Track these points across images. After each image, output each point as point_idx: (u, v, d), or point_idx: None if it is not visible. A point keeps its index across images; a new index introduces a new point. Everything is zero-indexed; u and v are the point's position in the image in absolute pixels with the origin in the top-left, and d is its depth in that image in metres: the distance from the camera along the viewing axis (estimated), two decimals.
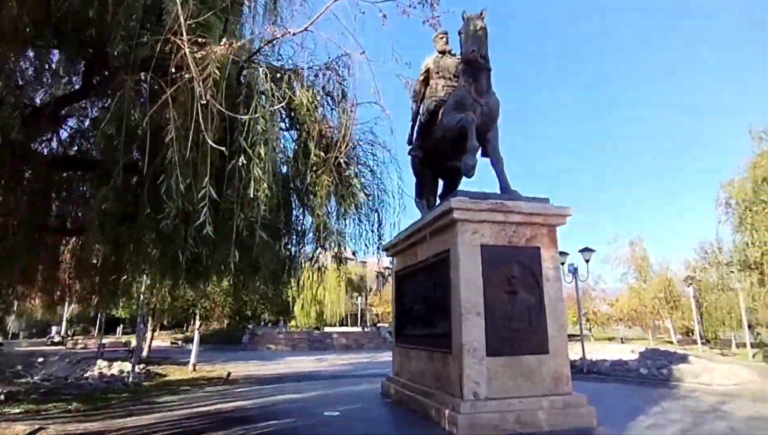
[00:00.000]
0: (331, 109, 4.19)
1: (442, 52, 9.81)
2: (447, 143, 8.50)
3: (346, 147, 3.99)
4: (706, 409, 7.57)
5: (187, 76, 3.02)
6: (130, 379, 11.18)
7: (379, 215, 5.46)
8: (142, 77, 4.25)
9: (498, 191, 7.22)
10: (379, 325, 50.49)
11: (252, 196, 3.13)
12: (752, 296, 20.11)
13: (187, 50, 2.94)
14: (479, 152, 8.17)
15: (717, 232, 35.52)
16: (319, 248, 5.15)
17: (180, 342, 35.57)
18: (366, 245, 5.71)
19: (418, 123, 9.66)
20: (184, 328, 41.31)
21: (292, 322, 62.15)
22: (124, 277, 6.89)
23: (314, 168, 3.88)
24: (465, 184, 8.54)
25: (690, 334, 39.70)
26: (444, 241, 6.96)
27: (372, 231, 5.56)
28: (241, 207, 3.31)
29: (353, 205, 4.35)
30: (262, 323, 57.18)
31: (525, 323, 6.36)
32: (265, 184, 3.16)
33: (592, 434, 5.71)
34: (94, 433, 6.03)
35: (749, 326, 27.76)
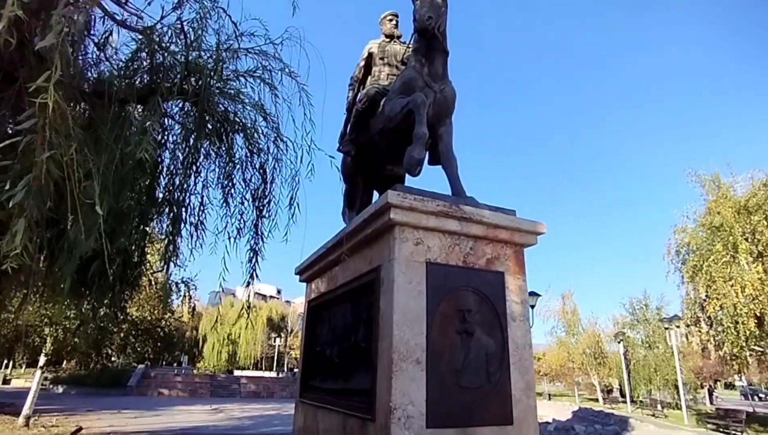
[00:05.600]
0: None
1: (390, 37, 8.31)
2: (386, 139, 6.78)
3: None
4: None
5: None
6: None
7: (265, 182, 3.44)
8: None
9: None
10: (296, 370, 46.64)
11: None
12: (702, 355, 19.98)
13: None
14: (427, 157, 6.63)
15: (645, 289, 37.02)
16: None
17: (49, 383, 29.72)
18: (234, 237, 3.59)
19: (354, 112, 7.93)
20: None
21: (202, 363, 56.54)
22: None
23: None
24: None
25: (611, 392, 40.25)
26: (373, 256, 5.08)
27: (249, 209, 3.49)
28: None
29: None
30: (162, 363, 51.13)
31: (482, 379, 4.52)
32: None
33: None
34: None
35: (676, 387, 28.19)
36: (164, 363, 57.58)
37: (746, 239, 11.01)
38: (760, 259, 10.68)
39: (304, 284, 8.25)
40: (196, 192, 3.40)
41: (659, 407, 26.91)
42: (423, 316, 4.39)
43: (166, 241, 3.48)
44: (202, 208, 3.45)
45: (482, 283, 4.86)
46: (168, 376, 33.19)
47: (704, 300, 11.93)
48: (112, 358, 29.34)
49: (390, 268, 4.54)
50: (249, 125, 3.34)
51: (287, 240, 4.10)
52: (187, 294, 8.59)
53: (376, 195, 8.10)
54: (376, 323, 4.62)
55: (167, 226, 3.26)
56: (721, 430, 16.37)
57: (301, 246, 4.90)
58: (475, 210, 4.99)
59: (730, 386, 62.92)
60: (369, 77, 8.18)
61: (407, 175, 6.83)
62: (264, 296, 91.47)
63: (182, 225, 3.35)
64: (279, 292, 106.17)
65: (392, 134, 6.51)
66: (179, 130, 3.12)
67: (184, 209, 3.29)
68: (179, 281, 8.74)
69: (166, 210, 3.01)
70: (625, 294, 58.39)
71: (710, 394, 42.67)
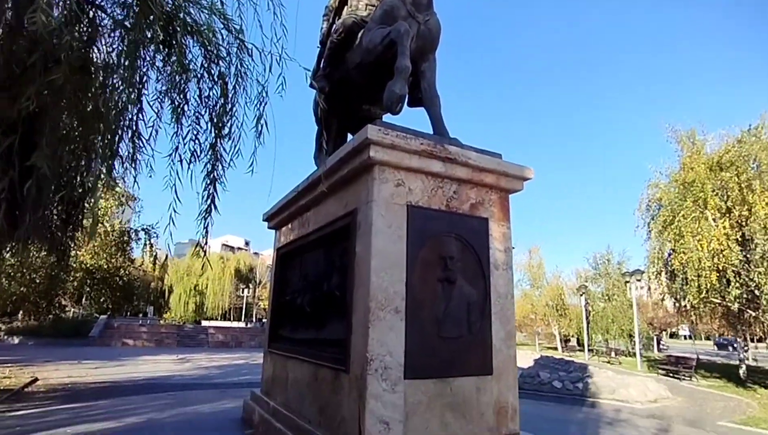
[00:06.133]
0: None
1: None
2: (364, 74, 6.22)
3: None
4: None
5: None
6: None
7: (225, 95, 2.93)
8: None
9: None
10: (264, 320, 46.78)
11: None
12: (654, 307, 20.92)
13: None
14: (407, 98, 6.15)
15: (608, 245, 38.36)
16: None
17: (3, 334, 28.55)
18: (188, 161, 3.09)
19: (328, 45, 7.24)
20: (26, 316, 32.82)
21: (169, 314, 56.17)
22: None
23: None
24: None
25: (568, 341, 42.48)
26: (349, 198, 4.68)
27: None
28: None
29: None
30: (127, 314, 50.40)
31: (463, 329, 4.32)
32: None
33: None
34: None
35: (630, 336, 29.87)
36: (129, 314, 56.71)
37: (717, 195, 11.22)
38: (728, 215, 10.95)
39: (273, 232, 7.85)
40: (137, 101, 2.82)
41: (613, 355, 28.55)
42: (403, 262, 4.08)
43: (99, 161, 2.92)
44: (140, 114, 2.86)
45: (465, 229, 4.57)
46: (132, 326, 32.52)
47: (669, 254, 12.30)
48: (66, 309, 27.86)
49: (368, 211, 4.16)
50: (205, 28, 2.76)
51: (253, 170, 3.59)
52: (147, 242, 8.03)
53: (350, 138, 7.59)
54: (351, 270, 4.30)
55: (99, 144, 2.69)
56: (671, 375, 17.52)
57: (268, 192, 4.42)
58: (461, 151, 4.62)
59: (673, 335, 67.71)
60: (345, 7, 7.45)
61: (386, 115, 6.36)
62: (232, 248, 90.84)
63: (118, 141, 2.77)
64: (247, 243, 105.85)
65: (371, 69, 5.97)
66: (114, 29, 2.52)
67: (122, 123, 2.70)
68: (138, 229, 8.15)
69: (100, 125, 2.46)
70: (591, 249, 60.96)
71: (658, 343, 45.81)
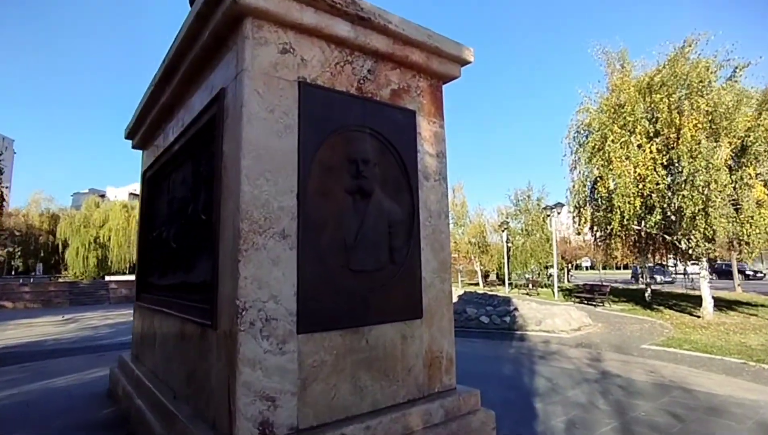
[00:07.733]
0: None
1: None
2: None
3: None
4: (595, 375, 5.97)
5: None
6: None
7: None
8: None
9: None
10: None
11: None
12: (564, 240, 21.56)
13: None
14: None
15: (529, 181, 39.42)
16: None
17: None
18: None
19: None
20: None
21: (66, 272, 51.22)
22: None
23: None
24: None
25: (488, 276, 44.57)
26: (216, 78, 3.22)
27: None
28: None
29: None
30: (12, 273, 44.93)
31: (383, 258, 3.18)
32: None
33: None
34: None
35: (546, 268, 31.51)
36: (13, 273, 50.36)
37: (646, 118, 11.04)
38: (655, 139, 10.84)
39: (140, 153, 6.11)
40: None
41: (531, 286, 30.04)
42: (293, 164, 2.77)
43: None
44: None
45: (384, 124, 3.32)
46: (10, 285, 28.49)
47: (596, 181, 12.22)
48: None
49: (238, 88, 2.75)
50: None
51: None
52: None
53: None
54: (218, 179, 2.91)
55: None
56: (587, 302, 18.46)
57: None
58: (378, 9, 3.26)
59: (578, 267, 74.06)
60: None
61: None
62: (138, 196, 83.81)
63: None
64: None
65: None
66: None
67: None
68: None
69: None
70: (513, 186, 63.55)
71: (567, 273, 49.68)
